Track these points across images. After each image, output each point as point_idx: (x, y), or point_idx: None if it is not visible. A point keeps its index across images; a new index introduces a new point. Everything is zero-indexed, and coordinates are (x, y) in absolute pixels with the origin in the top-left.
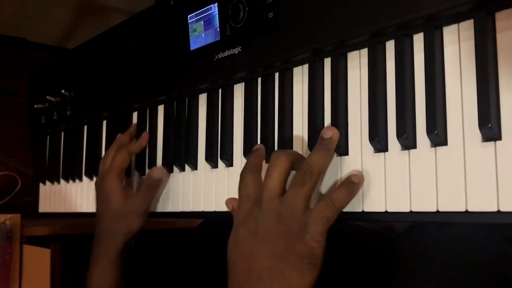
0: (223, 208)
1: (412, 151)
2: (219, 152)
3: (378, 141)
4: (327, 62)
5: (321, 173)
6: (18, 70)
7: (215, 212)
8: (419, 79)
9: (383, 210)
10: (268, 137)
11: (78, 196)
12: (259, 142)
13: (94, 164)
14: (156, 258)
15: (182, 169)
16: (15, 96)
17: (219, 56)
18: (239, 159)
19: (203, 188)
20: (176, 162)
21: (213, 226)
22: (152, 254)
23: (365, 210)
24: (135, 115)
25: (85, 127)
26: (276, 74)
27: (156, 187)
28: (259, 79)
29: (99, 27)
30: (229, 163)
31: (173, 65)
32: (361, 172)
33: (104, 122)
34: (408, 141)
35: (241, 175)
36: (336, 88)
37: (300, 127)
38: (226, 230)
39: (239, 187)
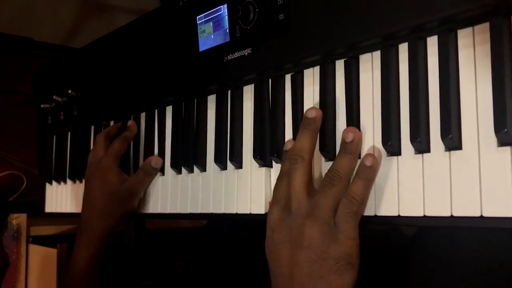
0: (233, 210)
1: (426, 155)
2: (228, 154)
3: (391, 145)
4: (339, 64)
5: (349, 175)
6: (23, 68)
7: (224, 214)
8: (433, 82)
9: (396, 214)
10: (278, 140)
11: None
12: (268, 144)
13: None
14: (160, 257)
15: (191, 170)
16: (20, 95)
17: (229, 57)
18: (248, 161)
19: (212, 189)
20: (185, 163)
21: (221, 227)
22: (155, 254)
23: (378, 214)
24: (143, 116)
25: (92, 127)
26: (287, 76)
27: (152, 174)
28: (270, 81)
29: (105, 26)
30: (238, 165)
31: (181, 66)
32: (373, 154)
33: (112, 123)
34: (421, 145)
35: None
36: (350, 90)
37: None
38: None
39: (273, 191)
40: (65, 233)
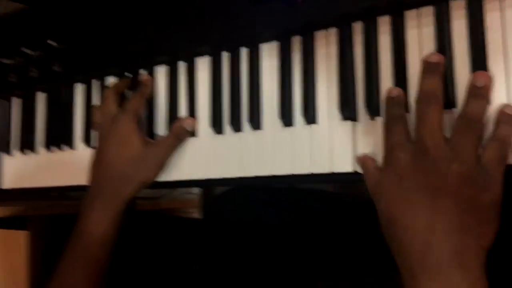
0: (304, 170)
1: None
2: (300, 109)
3: None
4: (456, 4)
5: (483, 120)
6: None
7: (291, 175)
8: None
9: None
10: (372, 90)
11: (69, 166)
12: (336, 100)
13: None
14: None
15: (238, 129)
16: None
17: None
18: (325, 115)
19: (272, 149)
20: (233, 122)
21: (236, 200)
22: None
23: None
24: (160, 71)
25: (79, 85)
26: (382, 19)
27: (183, 139)
28: (351, 26)
29: None
30: (311, 120)
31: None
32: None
33: (109, 80)
34: None
35: (385, 125)
36: (476, 34)
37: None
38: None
39: (387, 137)
40: (33, 214)
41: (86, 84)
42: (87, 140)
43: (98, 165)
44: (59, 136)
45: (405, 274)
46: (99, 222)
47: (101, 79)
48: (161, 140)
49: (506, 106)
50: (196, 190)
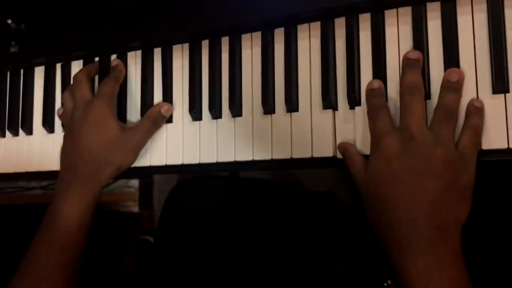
0: (285, 155)
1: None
2: (283, 97)
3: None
4: (431, 7)
5: (457, 111)
6: None
7: (271, 160)
8: None
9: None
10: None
11: (25, 151)
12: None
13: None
14: None
15: (218, 116)
16: None
17: None
18: (306, 104)
19: (252, 135)
20: (212, 108)
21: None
22: None
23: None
24: (131, 55)
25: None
26: (362, 16)
27: (161, 123)
28: (335, 21)
29: None
30: (293, 107)
31: None
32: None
33: (75, 64)
34: None
35: (369, 113)
36: (450, 34)
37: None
38: None
39: (373, 124)
40: None
41: (48, 68)
42: (46, 126)
43: (72, 150)
44: (15, 121)
45: (393, 248)
46: (76, 205)
47: (66, 63)
48: (137, 125)
49: (476, 100)
50: (135, 184)
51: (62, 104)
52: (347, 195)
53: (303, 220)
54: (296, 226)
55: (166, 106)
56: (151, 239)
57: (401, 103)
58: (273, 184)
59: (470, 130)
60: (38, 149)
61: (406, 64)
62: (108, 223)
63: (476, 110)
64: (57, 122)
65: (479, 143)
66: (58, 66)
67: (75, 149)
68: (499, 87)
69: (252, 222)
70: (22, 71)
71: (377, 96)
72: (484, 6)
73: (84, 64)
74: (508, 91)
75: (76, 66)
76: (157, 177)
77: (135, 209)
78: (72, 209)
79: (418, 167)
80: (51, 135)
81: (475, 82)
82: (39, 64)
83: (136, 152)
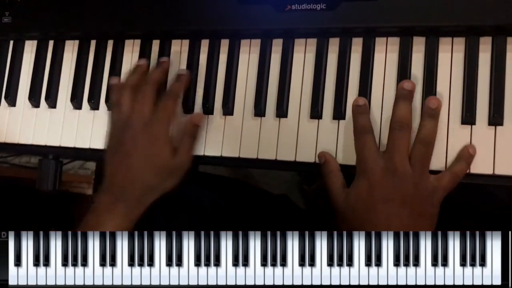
0: (271, 156)
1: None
2: (275, 103)
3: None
4: (417, 40)
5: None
6: None
7: (255, 159)
8: None
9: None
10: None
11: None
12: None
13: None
14: None
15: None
16: None
17: (293, 7)
18: (295, 111)
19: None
20: (205, 105)
21: None
22: None
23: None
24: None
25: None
26: (354, 40)
27: (199, 135)
28: (330, 40)
29: None
30: (282, 113)
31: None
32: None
33: (70, 43)
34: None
35: (357, 137)
36: (431, 65)
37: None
38: None
39: (361, 150)
40: None
41: (40, 43)
42: (32, 100)
43: (123, 167)
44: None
45: None
46: (118, 225)
47: (60, 41)
48: (181, 148)
49: (469, 146)
50: (92, 166)
51: (114, 89)
52: (300, 200)
53: (260, 219)
54: (252, 223)
55: (196, 116)
56: None
57: (389, 135)
58: (236, 182)
59: (450, 175)
60: (20, 121)
61: (400, 95)
62: (58, 203)
63: (465, 157)
64: (46, 98)
65: (452, 188)
66: (51, 44)
67: (127, 169)
68: (467, 119)
69: (213, 215)
70: (11, 42)
71: (363, 113)
72: (462, 47)
73: (79, 45)
74: (474, 124)
75: (70, 46)
76: None
77: (89, 191)
78: (114, 228)
79: (396, 198)
80: (35, 109)
81: (447, 112)
82: (31, 38)
83: (182, 176)
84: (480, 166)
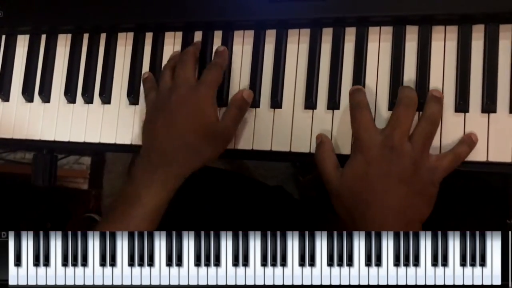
0: (266, 147)
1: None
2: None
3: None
4: (410, 29)
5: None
6: None
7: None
8: None
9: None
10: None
11: None
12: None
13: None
14: None
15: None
16: None
17: None
18: (290, 101)
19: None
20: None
21: None
22: None
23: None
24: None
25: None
26: (348, 29)
27: (245, 110)
28: (324, 30)
29: None
30: (278, 105)
31: None
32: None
33: (62, 37)
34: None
35: (353, 114)
36: (424, 55)
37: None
38: None
39: (357, 127)
40: None
41: (32, 37)
42: (25, 94)
43: (163, 131)
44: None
45: None
46: (157, 195)
47: (52, 35)
48: (226, 115)
49: (472, 133)
50: (87, 161)
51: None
52: (295, 191)
53: (257, 211)
54: (249, 215)
55: (246, 91)
56: (97, 217)
57: (394, 110)
58: (232, 174)
59: (453, 156)
60: (13, 116)
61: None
62: (54, 198)
63: (468, 142)
64: (40, 92)
65: (454, 168)
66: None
67: (167, 132)
68: (461, 107)
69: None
70: (4, 37)
71: (359, 94)
72: (455, 35)
73: (72, 39)
74: (468, 111)
75: (63, 40)
76: (108, 156)
77: (85, 186)
78: (152, 199)
79: (394, 174)
80: (29, 104)
81: None
82: (23, 33)
83: (226, 144)
84: (474, 153)
